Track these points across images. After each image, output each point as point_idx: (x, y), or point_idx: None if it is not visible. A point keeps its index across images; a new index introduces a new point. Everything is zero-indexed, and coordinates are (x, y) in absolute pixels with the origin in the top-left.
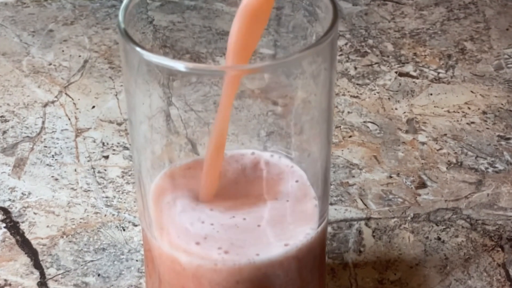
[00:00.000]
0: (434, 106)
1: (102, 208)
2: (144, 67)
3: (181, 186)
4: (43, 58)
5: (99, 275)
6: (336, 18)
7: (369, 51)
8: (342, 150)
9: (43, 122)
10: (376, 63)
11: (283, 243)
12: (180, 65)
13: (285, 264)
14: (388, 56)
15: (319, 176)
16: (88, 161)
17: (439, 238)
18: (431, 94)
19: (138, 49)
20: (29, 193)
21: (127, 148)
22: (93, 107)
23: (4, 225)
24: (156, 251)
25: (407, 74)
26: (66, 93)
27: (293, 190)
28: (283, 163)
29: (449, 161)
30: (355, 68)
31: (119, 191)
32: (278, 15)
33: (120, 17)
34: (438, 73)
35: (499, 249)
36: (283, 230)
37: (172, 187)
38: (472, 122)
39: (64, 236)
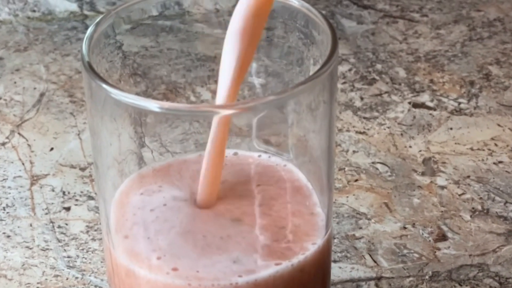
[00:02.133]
0: (455, 143)
1: (63, 270)
2: (112, 104)
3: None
4: None
5: None
6: (336, 45)
7: (377, 78)
8: (347, 197)
9: None
10: (386, 92)
11: (274, 262)
12: (154, 105)
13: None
14: (400, 84)
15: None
16: (46, 214)
17: None
18: (451, 129)
19: (105, 86)
20: None
21: (92, 198)
22: (52, 149)
23: None
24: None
25: (422, 105)
26: (19, 133)
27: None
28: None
29: (473, 208)
30: (361, 98)
31: (83, 249)
32: (270, 37)
33: (84, 49)
34: (459, 103)
35: None
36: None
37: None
38: (500, 162)
39: None
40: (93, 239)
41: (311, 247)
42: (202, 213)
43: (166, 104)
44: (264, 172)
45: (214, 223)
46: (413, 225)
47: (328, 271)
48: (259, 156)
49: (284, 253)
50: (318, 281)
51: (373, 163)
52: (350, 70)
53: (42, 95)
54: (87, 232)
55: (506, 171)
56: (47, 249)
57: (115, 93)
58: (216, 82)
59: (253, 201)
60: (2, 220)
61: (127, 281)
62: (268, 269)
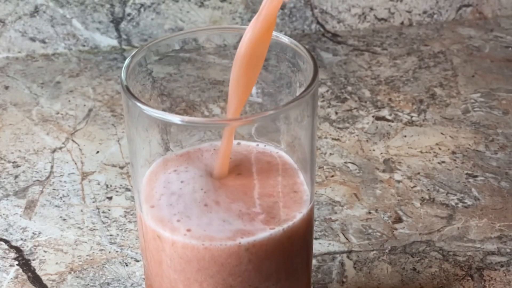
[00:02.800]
0: (408, 147)
1: (107, 245)
2: (144, 118)
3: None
4: (51, 108)
5: None
6: (317, 72)
7: (348, 97)
8: (325, 189)
9: (52, 167)
10: (355, 108)
11: (269, 227)
12: (176, 119)
13: (272, 247)
14: (365, 102)
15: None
16: (93, 202)
17: (414, 269)
18: (405, 136)
19: (139, 104)
20: (40, 233)
21: (129, 190)
22: (97, 152)
23: (16, 262)
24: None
25: (383, 118)
26: (72, 140)
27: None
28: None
29: (422, 197)
30: (336, 113)
31: (122, 229)
32: (265, 65)
33: (123, 75)
34: (411, 116)
35: (469, 278)
36: (272, 213)
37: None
38: (443, 162)
39: (72, 272)
40: (130, 222)
41: (298, 215)
42: (216, 183)
43: (186, 118)
44: (261, 156)
45: (224, 192)
46: (376, 211)
47: (311, 234)
48: (257, 145)
49: (277, 219)
50: (303, 242)
51: (345, 163)
52: (327, 91)
53: (90, 110)
54: (125, 216)
55: (448, 169)
56: (94, 229)
57: (147, 109)
58: (224, 100)
59: (253, 177)
60: (59, 206)
61: (155, 244)
62: (264, 233)
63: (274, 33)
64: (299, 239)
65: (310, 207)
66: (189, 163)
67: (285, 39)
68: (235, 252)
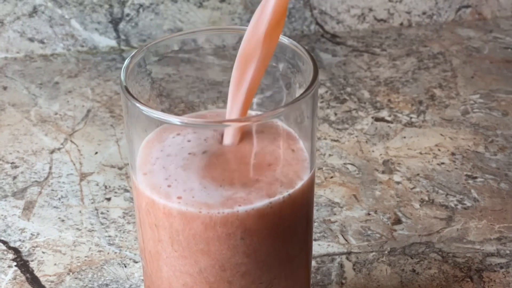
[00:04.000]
0: (408, 148)
1: (105, 246)
2: (143, 118)
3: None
4: (49, 108)
5: None
6: (317, 73)
7: (347, 98)
8: (324, 190)
9: (50, 168)
10: (354, 109)
11: (268, 194)
12: (175, 120)
13: (271, 215)
14: (365, 103)
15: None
16: (92, 203)
17: (413, 270)
18: (405, 137)
19: (138, 105)
20: (38, 234)
21: (127, 191)
22: (96, 153)
23: (15, 263)
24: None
25: (382, 119)
26: (71, 141)
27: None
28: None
29: (421, 198)
30: (335, 114)
31: (120, 230)
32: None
33: (122, 76)
34: (411, 118)
35: (469, 279)
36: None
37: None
38: (442, 163)
39: (70, 273)
40: (128, 223)
41: (299, 183)
42: (218, 149)
43: (185, 119)
44: (261, 125)
45: (225, 158)
46: (375, 212)
47: (312, 202)
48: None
49: (277, 186)
50: (304, 208)
51: (344, 164)
52: (326, 92)
53: (89, 111)
54: (124, 217)
55: (447, 170)
56: (93, 230)
57: (146, 110)
58: (224, 101)
59: (253, 145)
60: (58, 207)
61: (149, 214)
62: (264, 200)
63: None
64: (299, 207)
65: (311, 174)
66: (194, 128)
67: (285, 40)
68: (232, 220)
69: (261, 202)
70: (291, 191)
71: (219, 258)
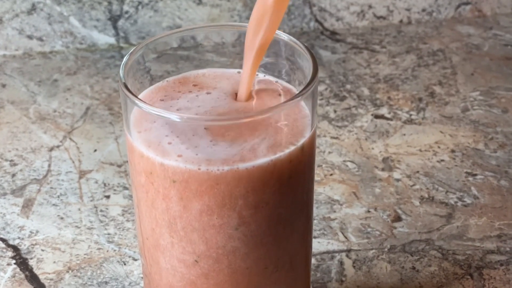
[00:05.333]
0: (407, 146)
1: (104, 244)
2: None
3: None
4: (48, 106)
5: None
6: (316, 70)
7: (347, 95)
8: (324, 187)
9: (49, 165)
10: (353, 107)
11: (271, 150)
12: (174, 116)
13: (271, 171)
14: (364, 100)
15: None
16: (91, 200)
17: (413, 268)
18: (404, 135)
19: (137, 102)
20: (37, 231)
21: (127, 188)
22: (95, 150)
23: (14, 261)
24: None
25: (382, 116)
26: (70, 138)
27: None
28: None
29: (421, 196)
30: (335, 111)
31: (120, 228)
32: (264, 63)
33: (121, 73)
34: (410, 115)
35: (469, 277)
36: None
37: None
38: (442, 160)
39: (70, 271)
40: (128, 220)
41: (301, 139)
42: (236, 103)
43: (184, 116)
44: (262, 84)
45: (228, 114)
46: (375, 209)
47: (313, 161)
48: (256, 74)
49: (279, 143)
50: (305, 166)
51: (344, 161)
52: (326, 89)
53: (88, 108)
54: (123, 214)
55: (447, 167)
56: (92, 228)
57: (145, 107)
58: None
59: (253, 102)
60: (56, 205)
61: (146, 168)
62: (265, 157)
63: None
64: (300, 165)
65: (312, 132)
66: (202, 85)
67: (284, 36)
68: (233, 176)
69: (262, 159)
70: (292, 148)
71: (218, 213)
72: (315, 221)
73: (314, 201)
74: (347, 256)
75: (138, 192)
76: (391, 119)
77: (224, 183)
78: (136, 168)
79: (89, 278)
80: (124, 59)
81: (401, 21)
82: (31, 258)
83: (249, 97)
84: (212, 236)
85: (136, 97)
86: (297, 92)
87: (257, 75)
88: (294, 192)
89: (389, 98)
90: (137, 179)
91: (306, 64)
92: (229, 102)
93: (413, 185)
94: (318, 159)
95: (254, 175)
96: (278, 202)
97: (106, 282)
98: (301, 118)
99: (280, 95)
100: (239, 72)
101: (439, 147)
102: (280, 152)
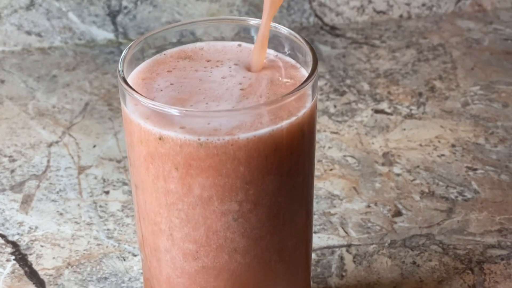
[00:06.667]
0: (408, 140)
1: (104, 240)
2: (142, 109)
3: None
4: (47, 102)
5: None
6: (316, 64)
7: (347, 90)
8: (324, 182)
9: (48, 161)
10: (353, 101)
11: (272, 121)
12: (173, 111)
13: (272, 142)
14: (364, 95)
15: None
16: (90, 196)
17: (414, 262)
18: (405, 129)
19: (136, 96)
20: (36, 227)
21: (126, 184)
22: (94, 146)
23: (13, 257)
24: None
25: (382, 111)
26: (69, 134)
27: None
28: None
29: (422, 190)
30: (335, 106)
31: (119, 223)
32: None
33: (120, 67)
34: (411, 109)
35: (469, 271)
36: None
37: None
38: (442, 155)
39: (69, 267)
40: (127, 216)
41: (302, 110)
42: (252, 75)
43: (183, 109)
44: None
45: (231, 86)
46: (376, 204)
47: (314, 133)
48: None
49: (279, 113)
50: (306, 138)
51: (344, 156)
52: (325, 84)
53: (87, 104)
54: (122, 210)
55: (447, 162)
56: (91, 223)
57: (144, 101)
58: None
59: (253, 74)
60: (56, 201)
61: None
62: (265, 128)
63: (272, 24)
64: (301, 136)
65: (313, 102)
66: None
67: (284, 30)
68: (233, 147)
69: (262, 130)
70: (293, 118)
71: (218, 184)
72: (315, 216)
73: (315, 196)
74: (347, 251)
75: (137, 173)
76: (391, 114)
77: (224, 153)
78: (133, 138)
79: (88, 274)
80: (123, 53)
81: (401, 15)
82: (30, 254)
83: (262, 68)
84: (213, 223)
85: (135, 90)
86: (299, 66)
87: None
88: (295, 161)
89: (389, 93)
90: (136, 155)
91: (305, 58)
92: (243, 73)
93: (414, 179)
94: (318, 154)
95: (254, 146)
96: (278, 182)
97: (105, 278)
98: (304, 87)
99: (272, 68)
100: (239, 45)
101: (439, 141)
102: (281, 122)
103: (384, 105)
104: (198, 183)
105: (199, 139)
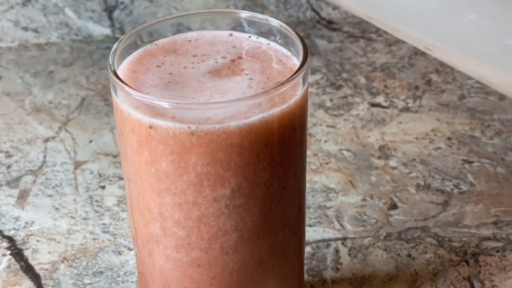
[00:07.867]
0: (404, 134)
1: (100, 234)
2: (132, 103)
3: None
4: (44, 97)
5: None
6: (307, 55)
7: (343, 84)
8: (320, 176)
9: (45, 156)
10: (350, 95)
11: (262, 110)
12: (164, 104)
13: (265, 129)
14: (361, 89)
15: None
16: (86, 191)
17: (409, 255)
18: (401, 123)
19: (127, 89)
20: (32, 222)
21: (122, 179)
22: (91, 141)
23: (9, 252)
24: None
25: (378, 105)
26: (65, 129)
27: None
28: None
29: (417, 183)
30: (331, 100)
31: (115, 218)
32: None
33: (110, 60)
34: (407, 103)
35: (465, 263)
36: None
37: None
38: (438, 148)
39: (65, 261)
40: (123, 210)
41: (293, 97)
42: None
43: (174, 103)
44: (255, 45)
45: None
46: (371, 197)
47: (305, 121)
48: (249, 36)
49: (270, 101)
50: (297, 126)
51: (340, 149)
52: (322, 78)
53: (83, 99)
54: (118, 205)
55: (443, 155)
56: (87, 218)
57: (135, 94)
58: None
59: (246, 63)
60: (52, 196)
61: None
62: (256, 115)
63: (264, 16)
64: (293, 123)
65: (304, 89)
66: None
67: (274, 22)
68: (224, 135)
69: (253, 117)
70: (284, 106)
71: (212, 173)
72: (311, 210)
73: (310, 190)
74: (342, 244)
75: (131, 163)
76: (387, 107)
77: (213, 141)
78: (125, 128)
79: (84, 268)
80: (114, 47)
81: None
82: (26, 249)
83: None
84: (205, 210)
85: (126, 83)
86: (291, 54)
87: (250, 37)
88: (287, 151)
89: (385, 86)
90: (128, 145)
91: (297, 52)
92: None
93: (409, 173)
94: (314, 147)
95: (245, 133)
96: (270, 171)
97: (101, 272)
98: (295, 76)
99: (265, 57)
100: (230, 35)
101: (435, 134)
102: (271, 109)
103: (380, 99)
104: (191, 169)
105: (189, 127)
